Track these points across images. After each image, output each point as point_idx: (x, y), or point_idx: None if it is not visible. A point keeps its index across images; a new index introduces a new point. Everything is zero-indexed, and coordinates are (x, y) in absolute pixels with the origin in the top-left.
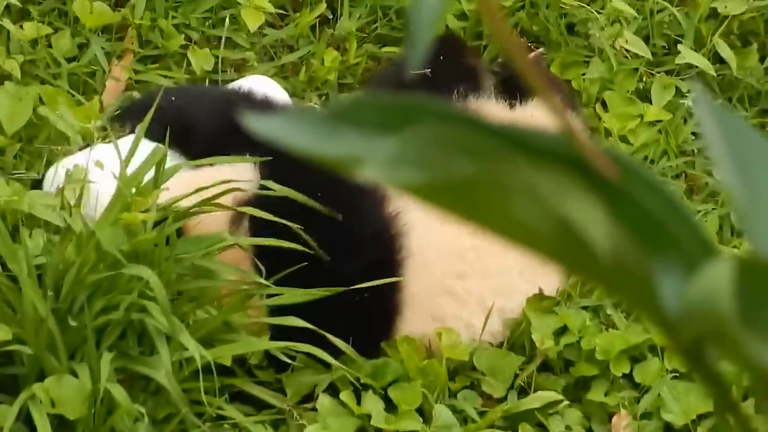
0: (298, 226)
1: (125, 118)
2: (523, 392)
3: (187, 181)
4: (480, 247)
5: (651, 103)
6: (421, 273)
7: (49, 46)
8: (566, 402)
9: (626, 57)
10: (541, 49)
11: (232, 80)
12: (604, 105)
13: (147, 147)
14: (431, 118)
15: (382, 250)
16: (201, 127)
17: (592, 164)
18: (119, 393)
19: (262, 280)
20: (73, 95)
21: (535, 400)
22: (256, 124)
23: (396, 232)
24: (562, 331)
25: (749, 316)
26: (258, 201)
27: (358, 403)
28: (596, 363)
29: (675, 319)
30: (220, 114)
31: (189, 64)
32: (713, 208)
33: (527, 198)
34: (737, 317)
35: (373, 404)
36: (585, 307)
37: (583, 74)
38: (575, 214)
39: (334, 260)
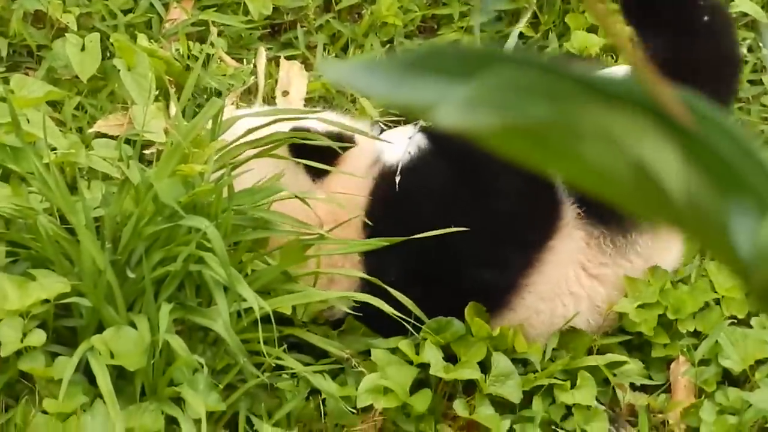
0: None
1: None
2: (590, 353)
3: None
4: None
5: None
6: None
7: None
8: (629, 362)
9: None
10: None
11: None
12: None
13: None
14: (506, 64)
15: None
16: None
17: (665, 108)
18: (178, 344)
19: (322, 231)
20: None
21: (599, 358)
22: (332, 72)
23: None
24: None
25: None
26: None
27: (417, 353)
28: (665, 322)
29: (749, 260)
30: None
31: (247, 11)
32: None
33: (601, 141)
34: None
35: (432, 354)
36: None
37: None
38: (650, 157)
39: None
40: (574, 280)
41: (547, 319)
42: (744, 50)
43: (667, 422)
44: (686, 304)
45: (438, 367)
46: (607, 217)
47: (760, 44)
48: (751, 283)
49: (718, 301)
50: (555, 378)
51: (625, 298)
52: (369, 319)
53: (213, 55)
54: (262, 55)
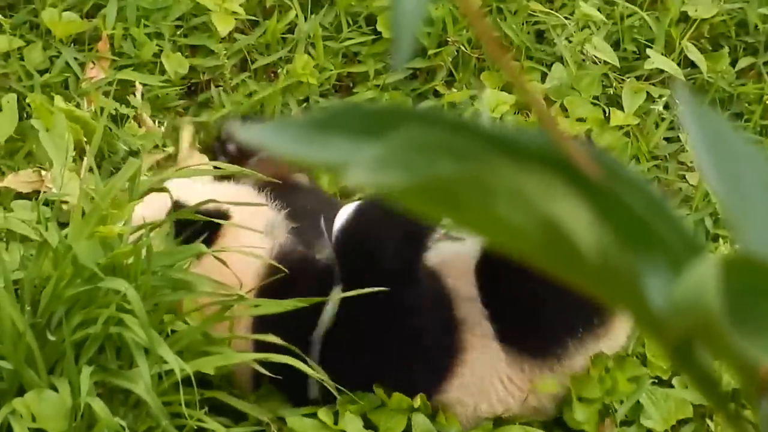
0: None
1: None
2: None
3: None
4: None
5: (622, 108)
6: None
7: (21, 59)
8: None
9: (595, 63)
10: None
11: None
12: (565, 110)
13: None
14: (415, 122)
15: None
16: None
17: (576, 165)
18: (99, 407)
19: (241, 292)
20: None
21: (521, 428)
22: (244, 133)
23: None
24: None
25: (736, 313)
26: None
27: (336, 423)
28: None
29: (662, 317)
30: None
31: (163, 71)
32: (687, 214)
33: (512, 198)
34: (724, 314)
35: (350, 422)
36: None
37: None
38: (561, 215)
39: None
40: (498, 388)
41: (471, 413)
42: (660, 107)
43: None
44: (619, 384)
45: None
46: (524, 341)
47: (677, 101)
48: (665, 339)
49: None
50: None
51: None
52: (282, 386)
53: (126, 115)
54: (188, 131)
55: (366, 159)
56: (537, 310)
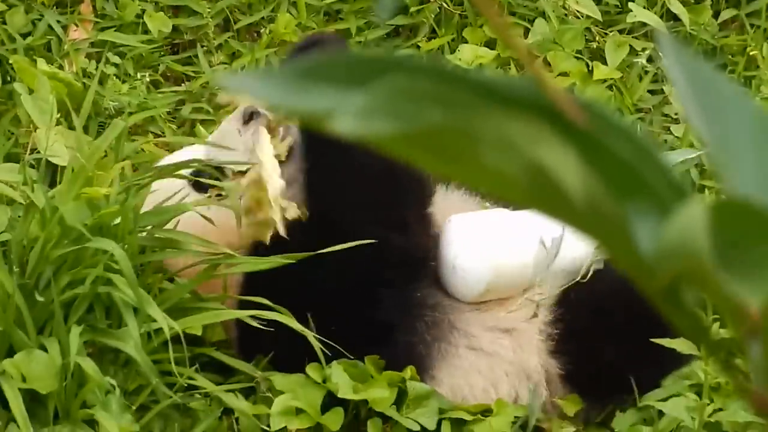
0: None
1: None
2: None
3: None
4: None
5: (605, 62)
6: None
7: (4, 22)
8: None
9: (578, 17)
10: None
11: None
12: (548, 65)
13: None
14: (401, 71)
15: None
16: None
17: (563, 112)
18: (89, 366)
19: (228, 250)
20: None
21: None
22: (230, 82)
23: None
24: None
25: (724, 255)
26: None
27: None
28: None
29: (651, 261)
30: None
31: (146, 31)
32: (672, 165)
33: (499, 145)
34: (712, 256)
35: (340, 376)
36: None
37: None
38: (548, 161)
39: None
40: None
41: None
42: (643, 60)
43: None
44: None
45: (346, 389)
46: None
47: (660, 54)
48: (653, 283)
49: None
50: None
51: None
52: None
53: (109, 74)
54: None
55: (352, 107)
56: (609, 361)
